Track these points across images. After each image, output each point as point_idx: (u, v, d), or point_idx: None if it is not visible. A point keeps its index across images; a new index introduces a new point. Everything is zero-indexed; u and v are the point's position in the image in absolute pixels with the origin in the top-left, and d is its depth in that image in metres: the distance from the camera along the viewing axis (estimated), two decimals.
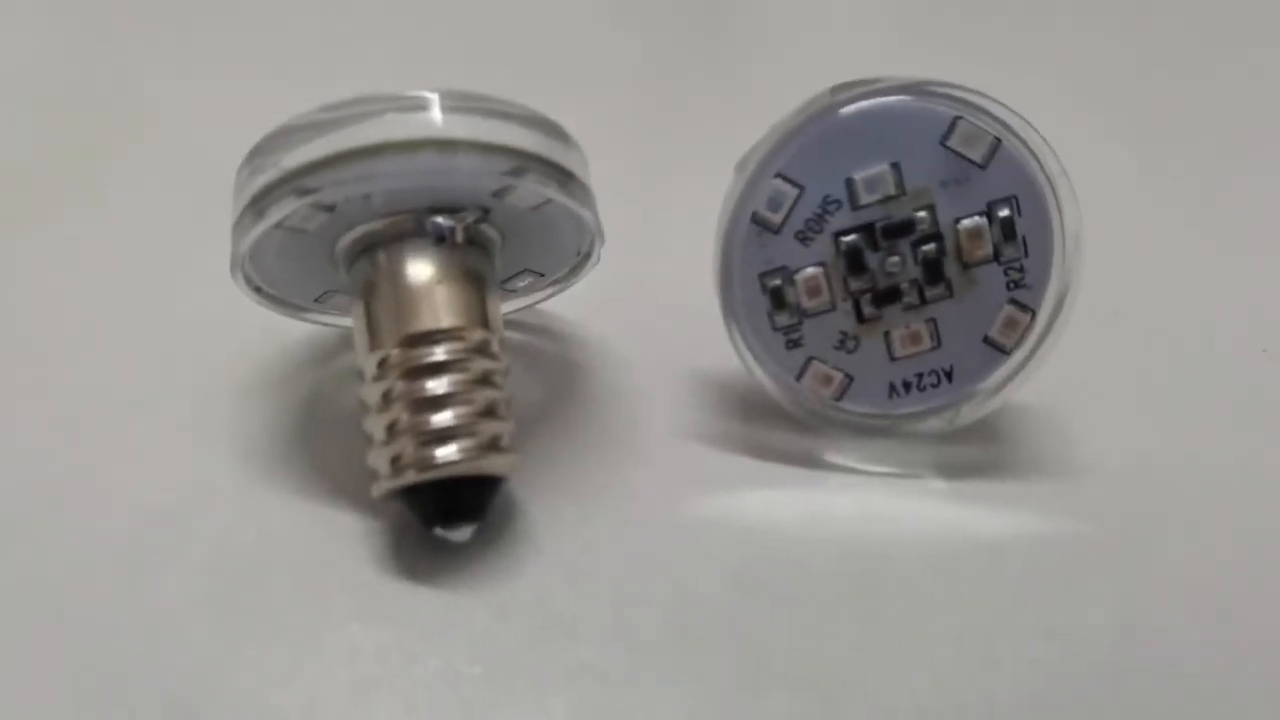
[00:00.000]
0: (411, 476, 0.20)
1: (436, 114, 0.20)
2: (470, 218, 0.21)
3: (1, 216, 0.31)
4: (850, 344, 0.22)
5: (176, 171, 0.33)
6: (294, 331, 0.25)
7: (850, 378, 0.22)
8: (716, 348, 0.23)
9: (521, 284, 0.24)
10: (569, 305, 0.26)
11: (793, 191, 0.21)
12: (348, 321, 0.22)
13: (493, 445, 0.20)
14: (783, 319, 0.22)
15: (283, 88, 0.35)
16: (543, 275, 0.24)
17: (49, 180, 0.33)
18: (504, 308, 0.24)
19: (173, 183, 0.32)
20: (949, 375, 0.22)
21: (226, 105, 0.36)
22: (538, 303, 0.25)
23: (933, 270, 0.22)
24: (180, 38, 0.41)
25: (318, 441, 0.23)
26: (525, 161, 0.20)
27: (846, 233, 0.22)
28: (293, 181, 0.19)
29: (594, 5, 0.43)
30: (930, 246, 0.22)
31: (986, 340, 0.22)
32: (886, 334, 0.22)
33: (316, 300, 0.24)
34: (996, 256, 0.22)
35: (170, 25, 0.42)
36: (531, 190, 0.21)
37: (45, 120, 0.36)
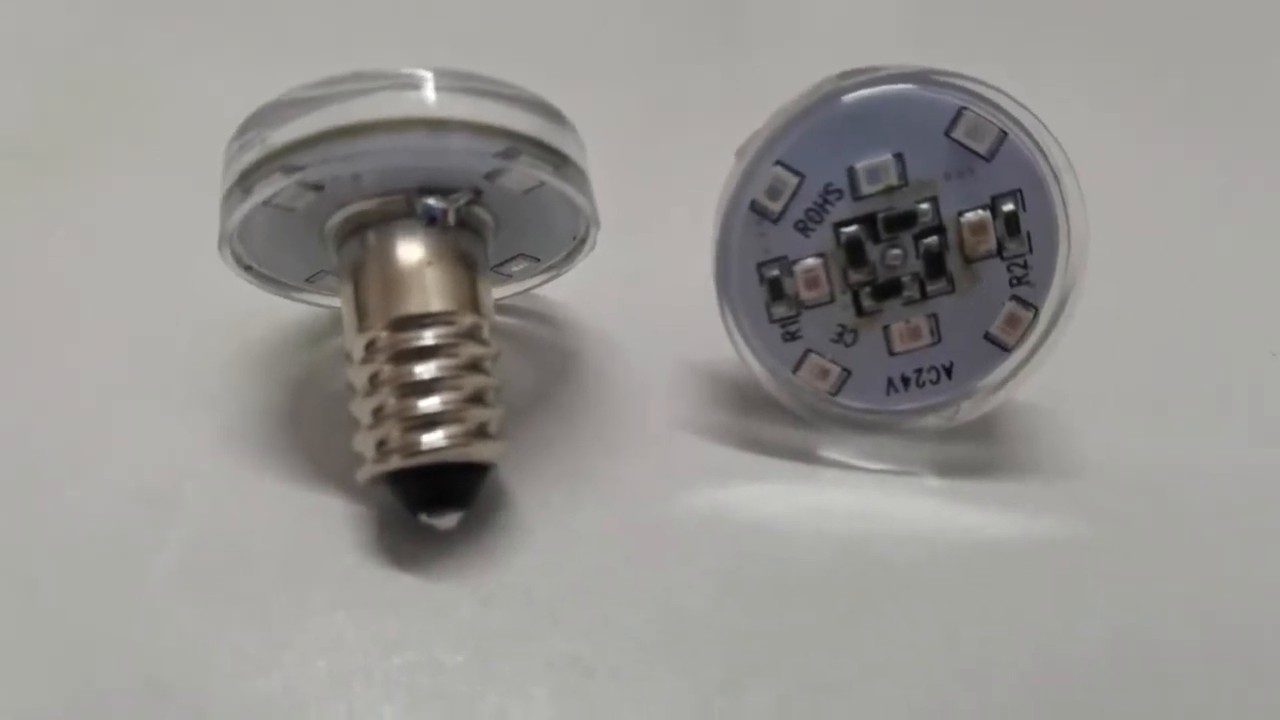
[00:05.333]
0: (397, 462, 0.20)
1: (429, 93, 0.20)
2: (462, 200, 0.20)
3: None
4: (849, 337, 0.22)
5: (166, 150, 0.32)
6: (285, 311, 0.25)
7: (848, 372, 0.22)
8: (712, 338, 0.22)
9: (516, 268, 0.24)
10: (564, 291, 0.25)
11: (793, 180, 0.21)
12: (339, 302, 0.22)
13: (480, 432, 0.20)
14: (780, 310, 0.22)
15: (284, 65, 0.34)
16: (538, 260, 0.24)
17: (40, 157, 0.32)
18: (498, 292, 0.24)
19: (161, 161, 0.32)
20: (948, 372, 0.22)
21: (223, 80, 0.35)
22: (532, 288, 0.25)
23: (934, 264, 0.21)
24: (183, 11, 0.41)
25: (305, 424, 0.23)
26: (518, 143, 0.20)
27: (847, 223, 0.21)
28: (279, 159, 0.19)
29: None
30: (932, 239, 0.21)
31: (987, 337, 0.22)
32: (886, 328, 0.22)
33: (308, 280, 0.23)
34: (999, 251, 0.21)
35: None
36: (524, 173, 0.20)
37: (38, 96, 0.35)
